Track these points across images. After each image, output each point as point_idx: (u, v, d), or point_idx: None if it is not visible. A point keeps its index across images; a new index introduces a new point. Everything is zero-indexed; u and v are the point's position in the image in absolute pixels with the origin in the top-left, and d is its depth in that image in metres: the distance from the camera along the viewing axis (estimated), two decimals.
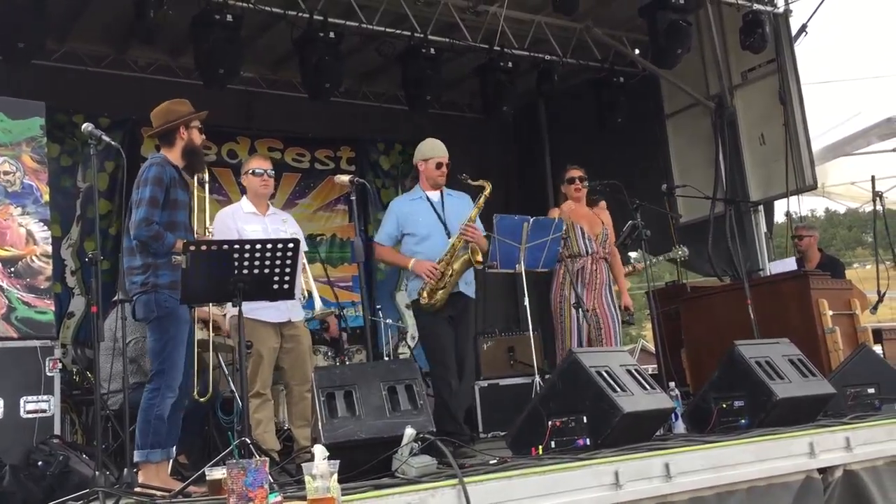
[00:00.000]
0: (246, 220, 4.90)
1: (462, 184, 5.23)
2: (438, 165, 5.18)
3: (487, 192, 5.13)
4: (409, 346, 8.22)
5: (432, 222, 5.12)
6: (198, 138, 4.30)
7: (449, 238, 5.01)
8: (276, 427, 5.15)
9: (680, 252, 6.33)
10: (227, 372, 5.84)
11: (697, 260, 8.38)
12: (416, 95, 7.72)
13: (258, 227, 4.83)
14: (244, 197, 5.09)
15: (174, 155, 4.27)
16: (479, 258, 4.94)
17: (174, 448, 4.23)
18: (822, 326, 5.88)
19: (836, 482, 4.08)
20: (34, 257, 2.75)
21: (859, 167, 9.15)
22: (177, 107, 4.31)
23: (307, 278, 4.87)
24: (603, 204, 6.04)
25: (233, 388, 5.63)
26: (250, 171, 5.00)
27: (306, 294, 4.83)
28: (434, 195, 5.20)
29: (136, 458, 3.94)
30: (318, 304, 4.88)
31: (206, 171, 4.48)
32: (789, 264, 6.86)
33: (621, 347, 5.58)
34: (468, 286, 5.09)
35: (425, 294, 4.96)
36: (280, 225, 5.01)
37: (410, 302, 5.20)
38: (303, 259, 4.75)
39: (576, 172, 5.77)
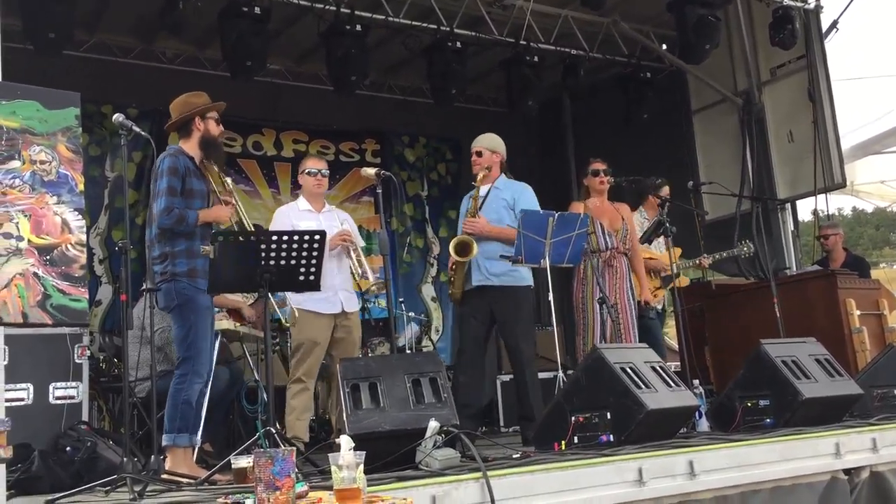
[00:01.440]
0: (300, 216, 4.98)
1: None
2: (470, 155, 5.22)
3: (479, 177, 5.13)
4: (431, 340, 8.24)
5: (462, 217, 5.20)
6: (214, 129, 4.34)
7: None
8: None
9: (745, 248, 6.23)
10: (251, 362, 5.89)
11: (721, 260, 8.32)
12: (442, 89, 7.71)
13: (313, 223, 4.88)
14: (301, 195, 5.18)
15: (191, 146, 4.33)
16: (461, 252, 4.94)
17: (199, 436, 4.28)
18: (849, 326, 5.83)
19: (862, 483, 4.04)
20: (69, 245, 2.78)
21: (889, 166, 9.05)
22: (193, 99, 4.38)
23: (360, 258, 4.96)
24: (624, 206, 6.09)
25: (257, 377, 5.68)
26: (305, 171, 5.12)
27: (359, 272, 4.86)
28: (483, 189, 5.19)
29: (164, 442, 4.00)
30: (371, 277, 4.99)
31: (223, 161, 4.49)
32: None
33: (638, 343, 5.54)
34: (499, 277, 5.04)
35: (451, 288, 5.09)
36: (334, 222, 5.07)
37: None
38: (359, 243, 4.99)
39: (599, 165, 5.74)
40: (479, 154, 5.19)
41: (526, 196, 5.21)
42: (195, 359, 4.09)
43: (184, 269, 4.09)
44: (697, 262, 6.29)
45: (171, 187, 4.11)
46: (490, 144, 5.24)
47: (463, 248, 4.96)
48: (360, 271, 4.91)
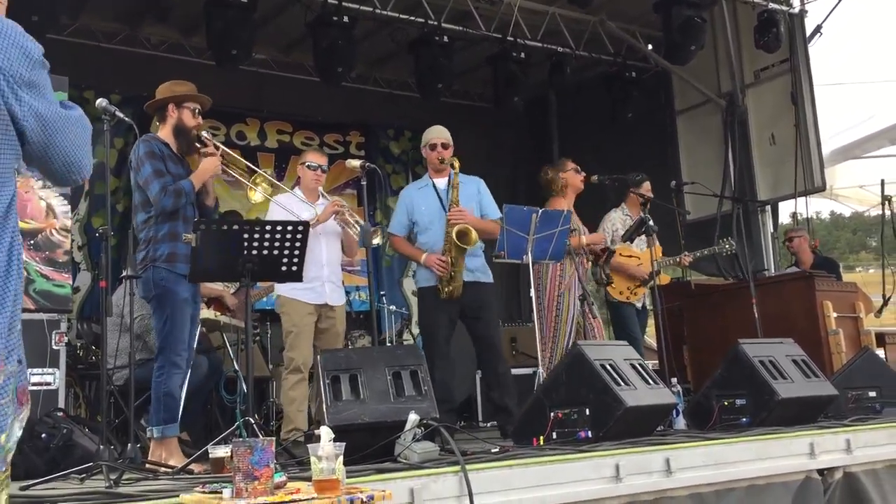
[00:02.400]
0: (299, 206, 4.86)
1: (476, 168, 5.29)
2: (433, 147, 5.21)
3: (456, 167, 5.10)
4: (411, 334, 8.23)
5: (434, 210, 5.14)
6: (189, 119, 4.30)
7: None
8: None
9: (727, 246, 6.26)
10: (231, 352, 5.87)
11: (701, 259, 8.37)
12: (428, 83, 7.70)
13: (306, 215, 4.80)
14: (297, 187, 5.13)
15: (165, 132, 4.33)
16: (463, 240, 4.90)
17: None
18: (825, 328, 5.89)
19: (836, 484, 4.09)
20: (53, 231, 2.76)
21: (868, 170, 9.15)
22: (175, 86, 4.36)
23: (356, 218, 4.88)
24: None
25: (237, 367, 5.65)
26: (305, 164, 5.03)
27: (359, 234, 4.75)
28: (440, 182, 5.21)
29: (154, 436, 4.05)
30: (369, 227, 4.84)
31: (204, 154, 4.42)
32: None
33: (618, 341, 5.57)
34: (473, 273, 5.08)
35: (442, 285, 5.00)
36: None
37: (417, 289, 5.24)
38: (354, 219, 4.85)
39: (574, 163, 5.78)
40: (446, 147, 5.20)
41: (487, 190, 5.29)
42: (172, 349, 4.07)
43: (164, 253, 4.07)
44: (678, 259, 6.32)
45: (157, 170, 4.11)
46: (449, 137, 5.27)
47: (463, 237, 4.93)
48: (358, 232, 4.75)
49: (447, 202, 5.10)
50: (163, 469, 3.66)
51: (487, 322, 5.12)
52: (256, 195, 4.54)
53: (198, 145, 4.28)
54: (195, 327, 4.32)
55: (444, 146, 5.19)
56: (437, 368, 4.98)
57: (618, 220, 6.28)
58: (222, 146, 4.40)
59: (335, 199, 4.93)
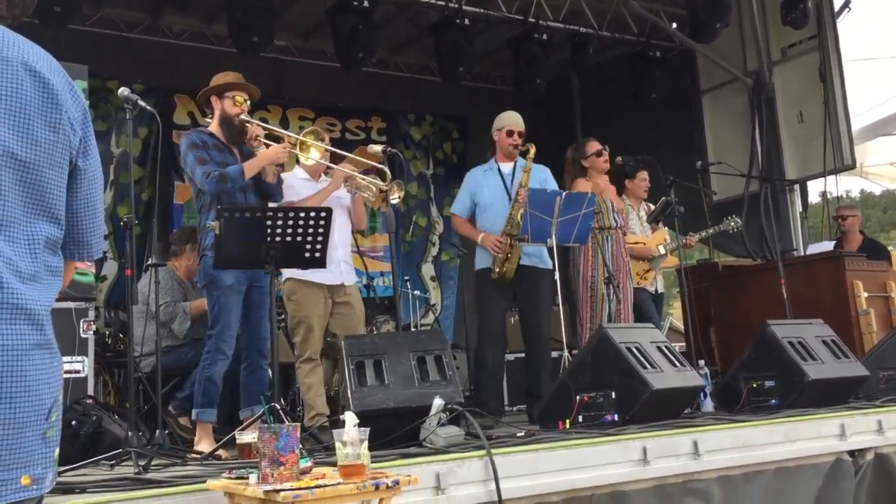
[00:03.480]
0: (303, 185, 4.83)
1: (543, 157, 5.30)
2: (510, 133, 5.26)
3: (532, 153, 5.15)
4: (437, 319, 8.24)
5: (497, 191, 5.19)
6: (231, 108, 4.34)
7: (510, 207, 5.03)
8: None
9: (733, 223, 6.21)
10: None
11: (729, 239, 8.28)
12: (449, 67, 7.65)
13: (311, 191, 4.78)
14: (297, 166, 5.06)
15: (213, 124, 4.42)
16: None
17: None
18: (856, 308, 5.82)
19: (867, 465, 4.04)
20: None
21: None
22: (219, 78, 4.43)
23: (367, 181, 4.77)
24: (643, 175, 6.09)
25: None
26: None
27: (372, 192, 4.70)
28: (506, 166, 5.28)
29: (193, 416, 4.21)
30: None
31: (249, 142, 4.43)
32: (827, 247, 6.77)
33: (645, 323, 5.52)
34: (530, 257, 5.10)
35: (496, 266, 5.03)
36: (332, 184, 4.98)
37: (476, 270, 5.27)
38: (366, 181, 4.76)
39: (599, 144, 5.71)
40: (521, 135, 5.25)
41: (553, 180, 5.36)
42: (218, 336, 4.15)
43: (210, 242, 4.12)
44: (684, 240, 6.22)
45: (199, 157, 4.20)
46: (523, 125, 5.33)
47: None
48: (372, 189, 4.69)
49: (511, 186, 5.15)
50: (191, 455, 3.69)
51: (539, 312, 5.12)
52: (311, 155, 4.50)
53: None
54: (260, 318, 4.28)
55: (520, 134, 5.26)
56: (489, 351, 5.00)
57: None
58: (271, 127, 4.44)
59: (343, 165, 4.81)
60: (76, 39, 6.96)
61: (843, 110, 7.67)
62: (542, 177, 5.28)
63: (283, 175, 4.71)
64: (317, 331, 4.67)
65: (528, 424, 4.42)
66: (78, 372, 4.50)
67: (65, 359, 4.44)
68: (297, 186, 4.71)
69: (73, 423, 4.03)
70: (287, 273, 4.67)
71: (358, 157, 4.91)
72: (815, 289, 5.98)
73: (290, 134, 4.63)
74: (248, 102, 4.39)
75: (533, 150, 5.15)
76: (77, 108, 1.65)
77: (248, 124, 4.32)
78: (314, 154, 4.52)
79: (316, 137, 4.57)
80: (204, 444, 4.03)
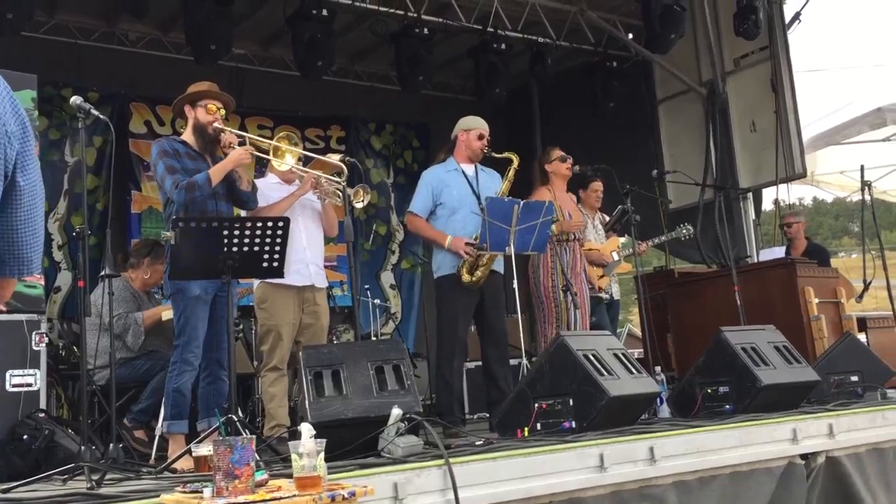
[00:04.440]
0: (273, 189, 4.81)
1: (492, 164, 5.28)
2: (480, 136, 5.23)
3: (515, 163, 5.15)
4: (397, 329, 8.23)
5: (465, 195, 5.12)
6: (204, 117, 4.35)
7: (480, 213, 4.97)
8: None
9: (685, 231, 6.29)
10: None
11: (685, 246, 8.41)
12: (409, 75, 7.67)
13: (284, 193, 4.77)
14: (269, 173, 5.03)
15: (187, 132, 4.43)
16: None
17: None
18: (807, 314, 5.94)
19: (818, 468, 4.12)
20: None
21: (849, 156, 9.18)
22: (193, 87, 4.43)
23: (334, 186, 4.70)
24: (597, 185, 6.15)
25: None
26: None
27: (339, 195, 4.66)
28: (469, 168, 5.23)
29: (163, 429, 4.22)
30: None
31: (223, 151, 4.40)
32: (778, 253, 6.91)
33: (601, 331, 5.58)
34: (497, 263, 5.13)
35: (465, 272, 4.97)
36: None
37: (437, 277, 5.15)
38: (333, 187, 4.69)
39: (562, 152, 5.77)
40: (487, 139, 5.25)
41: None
42: (184, 347, 4.12)
43: None
44: (637, 246, 6.31)
45: (169, 166, 4.18)
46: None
47: None
48: (338, 192, 4.64)
49: (478, 189, 5.12)
50: (145, 468, 3.63)
51: (501, 314, 5.14)
52: (286, 162, 4.47)
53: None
54: (222, 328, 4.19)
55: (488, 140, 5.24)
56: (455, 359, 4.99)
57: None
58: (245, 134, 4.44)
59: (310, 172, 4.78)
60: (30, 47, 6.85)
61: (794, 120, 7.85)
62: (497, 182, 5.26)
63: (256, 181, 4.69)
64: (286, 340, 4.65)
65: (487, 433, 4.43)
66: (30, 385, 4.41)
67: (16, 372, 4.38)
68: (268, 191, 4.69)
69: (25, 437, 3.97)
70: (258, 280, 4.65)
71: (325, 160, 4.89)
72: (768, 295, 6.10)
73: (266, 140, 4.60)
74: (223, 111, 4.39)
75: (516, 161, 5.14)
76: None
77: (222, 133, 4.32)
78: (289, 160, 4.51)
79: (290, 142, 4.56)
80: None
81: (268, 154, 4.53)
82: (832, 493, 4.16)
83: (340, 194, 4.63)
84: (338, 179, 4.62)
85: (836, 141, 9.19)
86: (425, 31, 7.50)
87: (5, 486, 3.10)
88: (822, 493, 4.13)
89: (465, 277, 4.97)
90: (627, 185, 5.90)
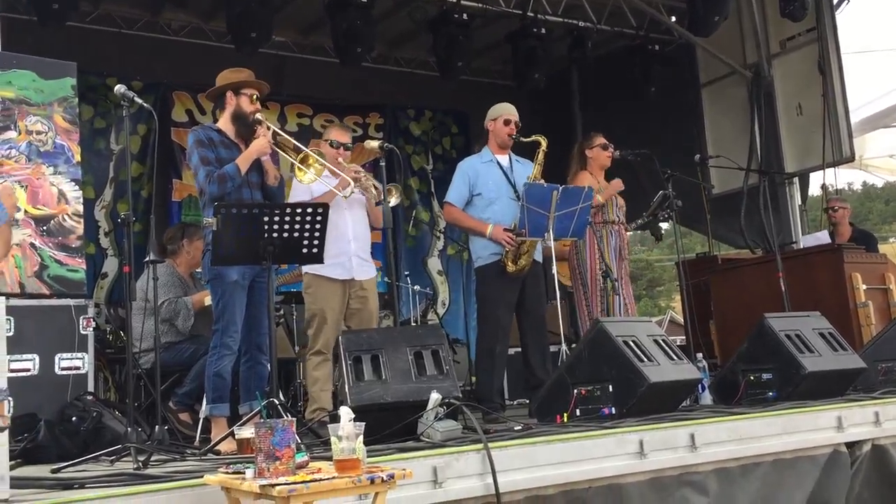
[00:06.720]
0: (318, 185, 4.84)
1: (524, 150, 5.27)
2: (507, 122, 5.23)
3: (544, 146, 5.16)
4: (437, 314, 8.24)
5: (501, 185, 5.15)
6: (247, 105, 4.36)
7: (517, 201, 4.99)
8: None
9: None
10: None
11: (729, 232, 8.29)
12: (448, 62, 7.65)
13: (324, 188, 4.76)
14: None
15: (224, 120, 4.42)
16: None
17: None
18: (854, 300, 5.82)
19: (863, 456, 4.06)
20: (66, 216, 2.79)
21: None
22: (232, 74, 4.43)
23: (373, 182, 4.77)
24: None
25: None
26: (328, 141, 4.93)
27: (376, 192, 4.71)
28: (503, 159, 5.25)
29: (205, 412, 4.26)
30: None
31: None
32: (822, 238, 6.77)
33: (642, 317, 5.53)
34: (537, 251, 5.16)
35: (509, 261, 4.99)
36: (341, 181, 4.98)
37: (478, 266, 5.17)
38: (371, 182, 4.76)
39: (604, 139, 5.70)
40: (517, 125, 5.25)
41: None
42: (223, 331, 4.17)
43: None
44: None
45: (203, 157, 4.22)
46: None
47: None
48: (373, 192, 4.72)
49: (513, 178, 5.13)
50: (189, 450, 3.71)
51: (541, 301, 5.19)
52: (307, 175, 4.45)
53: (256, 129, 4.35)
54: (261, 313, 4.27)
55: (516, 124, 5.24)
56: (499, 345, 5.01)
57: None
58: (274, 128, 4.44)
59: (351, 166, 4.82)
60: (75, 37, 6.97)
61: (841, 103, 7.66)
62: (531, 170, 5.25)
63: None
64: (330, 324, 4.69)
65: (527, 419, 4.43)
66: (78, 368, 4.52)
67: (65, 356, 4.49)
68: (314, 186, 4.69)
69: (74, 419, 4.06)
70: (305, 268, 4.72)
71: (364, 146, 4.93)
72: (813, 281, 5.99)
73: (293, 142, 4.55)
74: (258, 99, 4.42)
75: (544, 143, 5.14)
76: None
77: (258, 125, 4.31)
78: (310, 174, 4.44)
79: (317, 161, 4.50)
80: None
81: (292, 157, 4.50)
82: (876, 480, 4.10)
83: (375, 190, 4.69)
84: (372, 180, 4.70)
85: (886, 124, 8.98)
86: (464, 16, 7.46)
87: (55, 467, 3.19)
88: (866, 481, 4.07)
89: (510, 267, 4.99)
90: (669, 170, 5.79)
